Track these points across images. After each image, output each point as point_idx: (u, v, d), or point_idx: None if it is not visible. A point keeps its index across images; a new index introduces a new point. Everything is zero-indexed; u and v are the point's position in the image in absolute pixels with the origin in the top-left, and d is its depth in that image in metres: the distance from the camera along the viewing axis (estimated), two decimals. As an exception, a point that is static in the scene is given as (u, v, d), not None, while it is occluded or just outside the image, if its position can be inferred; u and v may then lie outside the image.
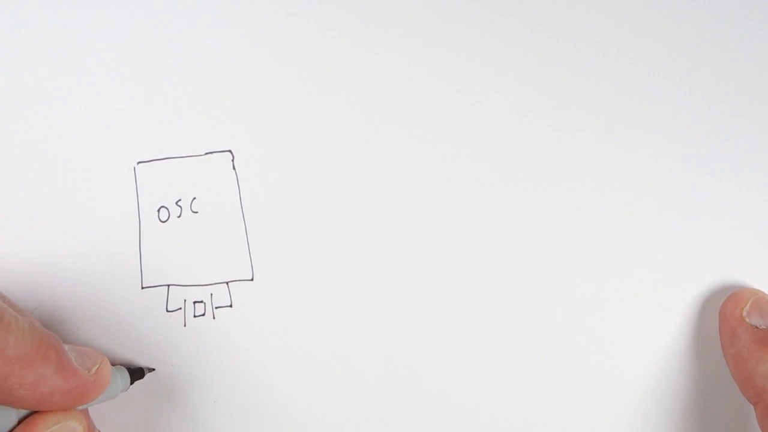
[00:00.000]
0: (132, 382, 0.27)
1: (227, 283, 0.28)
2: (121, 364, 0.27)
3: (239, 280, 0.28)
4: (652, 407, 0.29)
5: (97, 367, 0.23)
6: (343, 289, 0.28)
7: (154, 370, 0.28)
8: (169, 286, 0.28)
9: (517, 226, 0.29)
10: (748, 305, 0.28)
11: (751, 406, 0.28)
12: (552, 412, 0.29)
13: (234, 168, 0.28)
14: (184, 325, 0.28)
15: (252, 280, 0.28)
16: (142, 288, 0.28)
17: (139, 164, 0.28)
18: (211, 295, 0.28)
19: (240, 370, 0.28)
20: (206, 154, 0.28)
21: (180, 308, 0.28)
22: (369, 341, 0.29)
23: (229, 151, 0.28)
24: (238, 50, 0.29)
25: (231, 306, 0.28)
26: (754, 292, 0.28)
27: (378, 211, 0.29)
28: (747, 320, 0.28)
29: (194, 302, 0.28)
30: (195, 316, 0.28)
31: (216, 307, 0.28)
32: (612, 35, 0.29)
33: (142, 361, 0.28)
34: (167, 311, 0.28)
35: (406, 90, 0.29)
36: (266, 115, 0.28)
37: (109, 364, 0.24)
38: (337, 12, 0.29)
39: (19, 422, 0.22)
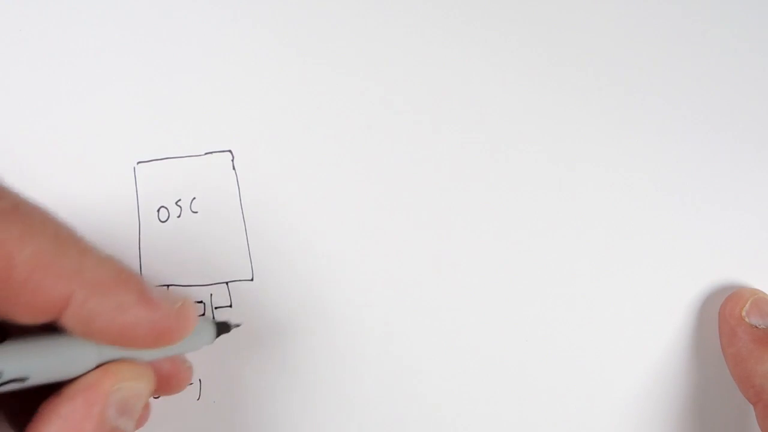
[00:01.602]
0: (218, 335, 0.25)
1: (227, 283, 0.28)
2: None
3: (239, 280, 0.28)
4: (651, 407, 0.29)
5: (181, 303, 0.21)
6: (343, 289, 0.28)
7: (239, 325, 0.26)
8: (168, 286, 0.28)
9: (517, 225, 0.29)
10: (747, 305, 0.28)
11: (751, 406, 0.28)
12: (552, 411, 0.29)
13: (234, 168, 0.28)
14: (184, 326, 0.28)
15: (252, 280, 0.28)
16: (142, 288, 0.28)
17: (139, 164, 0.28)
18: (211, 295, 0.28)
19: (240, 370, 0.28)
20: (206, 154, 0.28)
21: (180, 308, 0.28)
22: (369, 341, 0.29)
23: (229, 151, 0.28)
24: (238, 50, 0.29)
25: (231, 306, 0.28)
26: (754, 292, 0.28)
27: (378, 211, 0.29)
28: (746, 320, 0.28)
29: (194, 302, 0.28)
30: (195, 317, 0.28)
31: (216, 307, 0.28)
32: (612, 35, 0.29)
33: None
34: (167, 311, 0.28)
35: (406, 91, 0.29)
36: (266, 115, 0.28)
37: (193, 302, 0.22)
38: (338, 12, 0.29)
39: (96, 367, 0.21)
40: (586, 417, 0.29)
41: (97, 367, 0.21)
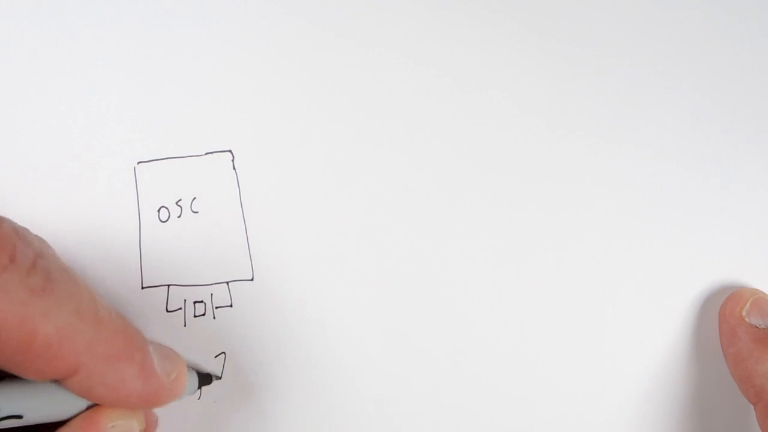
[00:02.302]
0: (199, 387, 0.27)
1: (227, 282, 0.28)
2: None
3: (239, 280, 0.28)
4: (651, 407, 0.29)
5: (177, 373, 0.23)
6: (343, 289, 0.28)
7: (220, 378, 0.28)
8: (169, 286, 0.28)
9: (516, 226, 0.29)
10: (747, 305, 0.28)
11: (751, 406, 0.28)
12: (552, 412, 0.29)
13: (234, 168, 0.28)
14: (185, 325, 0.28)
15: (252, 280, 0.28)
16: (143, 288, 0.28)
17: (139, 164, 0.28)
18: (212, 295, 0.28)
19: (239, 369, 0.28)
20: (206, 154, 0.28)
21: (180, 308, 0.28)
22: (369, 341, 0.29)
23: (230, 151, 0.28)
24: (238, 50, 0.29)
25: (231, 306, 0.28)
26: (754, 292, 0.28)
27: (378, 211, 0.29)
28: (746, 320, 0.28)
29: (194, 302, 0.28)
30: (195, 316, 0.28)
31: (216, 307, 0.28)
32: (612, 35, 0.29)
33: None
34: (167, 311, 0.28)
35: (407, 90, 0.29)
36: (266, 115, 0.28)
37: (186, 369, 0.24)
38: (338, 11, 0.29)
39: (87, 408, 0.22)
40: (586, 417, 0.29)
41: (89, 408, 0.22)
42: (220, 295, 0.28)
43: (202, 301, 0.28)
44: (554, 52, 0.29)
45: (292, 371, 0.28)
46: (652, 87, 0.29)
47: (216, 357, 0.28)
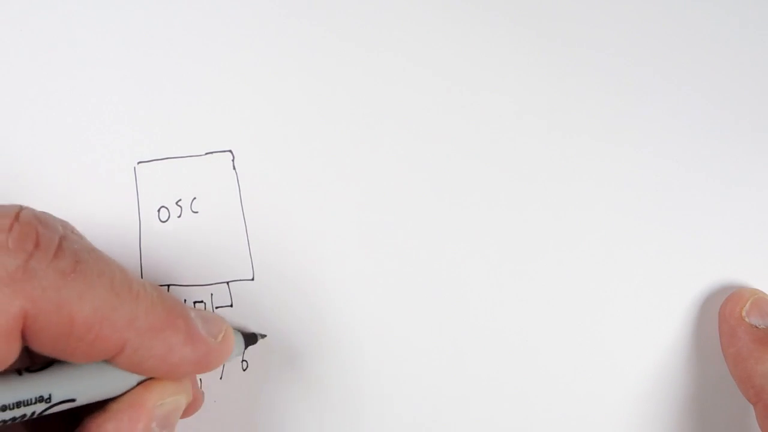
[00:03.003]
0: (246, 347, 0.27)
1: (227, 282, 0.28)
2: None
3: (239, 280, 0.28)
4: (651, 407, 0.29)
5: (222, 334, 0.23)
6: (343, 289, 0.28)
7: (265, 336, 0.28)
8: (169, 286, 0.28)
9: (516, 226, 0.29)
10: (747, 305, 0.28)
11: (751, 406, 0.28)
12: (552, 411, 0.29)
13: (234, 168, 0.28)
14: (185, 325, 0.28)
15: (252, 279, 0.28)
16: (142, 288, 0.28)
17: (140, 164, 0.28)
18: (212, 295, 0.28)
19: (240, 369, 0.28)
20: (206, 154, 0.28)
21: (180, 308, 0.28)
22: (369, 340, 0.29)
23: (230, 151, 0.28)
24: (238, 50, 0.29)
25: (231, 306, 0.28)
26: (754, 292, 0.28)
27: (378, 211, 0.29)
28: (746, 320, 0.28)
29: (194, 302, 0.28)
30: (195, 316, 0.28)
31: (216, 307, 0.28)
32: (611, 35, 0.29)
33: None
34: (167, 311, 0.28)
35: (406, 90, 0.29)
36: (266, 115, 0.28)
37: (232, 330, 0.24)
38: (338, 12, 0.29)
39: (138, 384, 0.22)
40: (586, 417, 0.29)
41: (139, 383, 0.22)
42: (220, 295, 0.28)
43: (202, 301, 0.28)
44: (555, 52, 0.29)
45: (292, 370, 0.28)
46: (653, 87, 0.29)
47: (216, 357, 0.28)
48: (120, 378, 0.22)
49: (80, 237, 0.22)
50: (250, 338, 0.27)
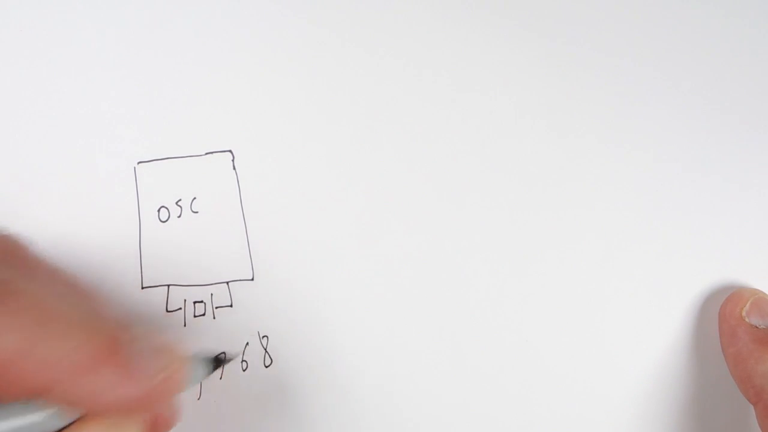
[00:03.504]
0: (211, 373, 0.24)
1: (227, 283, 0.28)
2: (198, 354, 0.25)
3: (239, 280, 0.28)
4: (651, 407, 0.29)
5: (170, 369, 0.21)
6: (343, 289, 0.28)
7: (232, 360, 0.26)
8: (169, 286, 0.28)
9: (517, 226, 0.29)
10: (747, 305, 0.28)
11: (751, 406, 0.28)
12: (552, 411, 0.29)
13: (234, 168, 0.28)
14: (184, 325, 0.28)
15: (252, 279, 0.28)
16: (142, 288, 0.28)
17: (140, 164, 0.28)
18: (212, 295, 0.28)
19: (238, 369, 0.28)
20: (206, 154, 0.28)
21: (180, 308, 0.28)
22: (369, 341, 0.29)
23: (230, 151, 0.28)
24: (238, 50, 0.29)
25: (231, 306, 0.28)
26: (754, 292, 0.28)
27: (378, 211, 0.29)
28: (746, 320, 0.28)
29: (194, 302, 0.28)
30: (195, 316, 0.28)
31: (216, 307, 0.28)
32: (611, 35, 0.29)
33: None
34: (167, 311, 0.28)
35: (407, 90, 0.29)
36: (267, 115, 0.28)
37: (184, 363, 0.22)
38: (338, 12, 0.29)
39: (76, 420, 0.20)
40: (586, 417, 0.29)
41: (76, 420, 0.20)
42: (220, 295, 0.28)
43: (202, 301, 0.28)
44: (555, 51, 0.29)
45: (291, 370, 0.28)
46: (652, 86, 0.29)
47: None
48: (53, 415, 0.20)
49: (22, 258, 0.20)
50: (216, 362, 0.25)
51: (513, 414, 0.29)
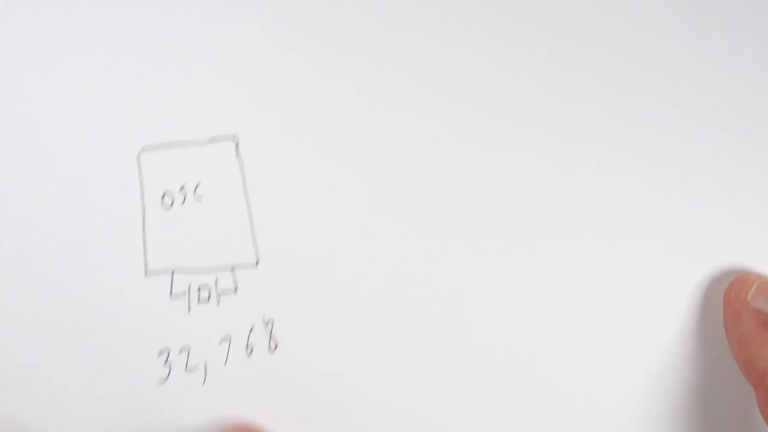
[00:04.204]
0: None
1: (232, 268, 0.28)
2: None
3: (244, 266, 0.28)
4: (653, 390, 0.29)
5: None
6: (348, 276, 0.29)
7: None
8: (173, 272, 0.28)
9: (522, 209, 0.29)
10: (753, 289, 0.28)
11: (753, 390, 0.28)
12: (555, 394, 0.29)
13: (238, 154, 0.28)
14: (189, 311, 0.28)
15: (257, 265, 0.28)
16: (146, 274, 0.28)
17: (143, 150, 0.28)
18: (216, 280, 0.28)
19: (243, 353, 0.28)
20: (210, 140, 0.28)
21: (184, 293, 0.28)
22: (375, 326, 0.29)
23: (234, 137, 0.28)
24: (243, 36, 0.28)
25: (235, 291, 0.28)
26: (760, 276, 0.28)
27: (384, 199, 0.29)
28: (751, 304, 0.28)
29: (198, 287, 0.28)
30: (199, 302, 0.28)
31: (220, 293, 0.28)
32: (607, 33, 0.29)
33: (147, 348, 0.28)
34: (171, 297, 0.28)
35: (415, 77, 0.29)
36: (271, 101, 0.28)
37: None
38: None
39: None
40: (589, 398, 0.29)
41: None
42: (225, 280, 0.28)
43: (206, 287, 0.28)
44: (551, 51, 0.29)
45: (297, 355, 0.28)
46: (655, 82, 0.29)
47: (220, 343, 0.28)
48: None
49: None
50: None
51: (519, 390, 0.29)
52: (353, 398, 0.29)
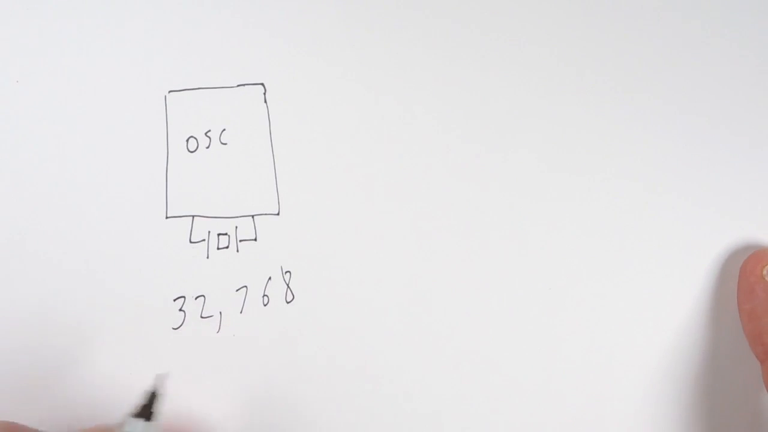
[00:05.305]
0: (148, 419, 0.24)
1: (252, 216, 0.28)
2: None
3: (265, 214, 0.28)
4: (672, 365, 0.29)
5: None
6: (369, 230, 0.29)
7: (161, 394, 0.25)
8: (193, 216, 0.28)
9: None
10: (769, 264, 0.28)
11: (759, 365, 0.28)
12: (570, 372, 0.29)
13: (265, 101, 0.28)
14: (207, 257, 0.28)
15: (278, 214, 0.28)
16: (167, 218, 0.28)
17: (170, 93, 0.28)
18: (236, 227, 0.28)
19: (259, 303, 0.28)
20: (238, 86, 0.28)
21: (204, 239, 0.28)
22: (392, 281, 0.29)
23: (262, 84, 0.28)
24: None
25: (255, 239, 0.28)
26: (777, 253, 0.29)
27: (410, 150, 0.29)
28: (766, 278, 0.28)
29: (218, 234, 0.28)
30: (218, 249, 0.28)
31: (240, 240, 0.28)
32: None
33: (163, 293, 0.28)
34: (191, 242, 0.28)
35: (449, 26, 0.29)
36: (300, 50, 0.28)
37: None
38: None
39: None
40: (603, 369, 0.29)
41: None
42: (245, 228, 0.28)
43: (226, 234, 0.28)
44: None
45: (313, 308, 0.28)
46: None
47: (237, 291, 0.28)
48: None
49: None
50: (143, 412, 0.24)
51: (533, 376, 0.29)
52: (368, 353, 0.29)
